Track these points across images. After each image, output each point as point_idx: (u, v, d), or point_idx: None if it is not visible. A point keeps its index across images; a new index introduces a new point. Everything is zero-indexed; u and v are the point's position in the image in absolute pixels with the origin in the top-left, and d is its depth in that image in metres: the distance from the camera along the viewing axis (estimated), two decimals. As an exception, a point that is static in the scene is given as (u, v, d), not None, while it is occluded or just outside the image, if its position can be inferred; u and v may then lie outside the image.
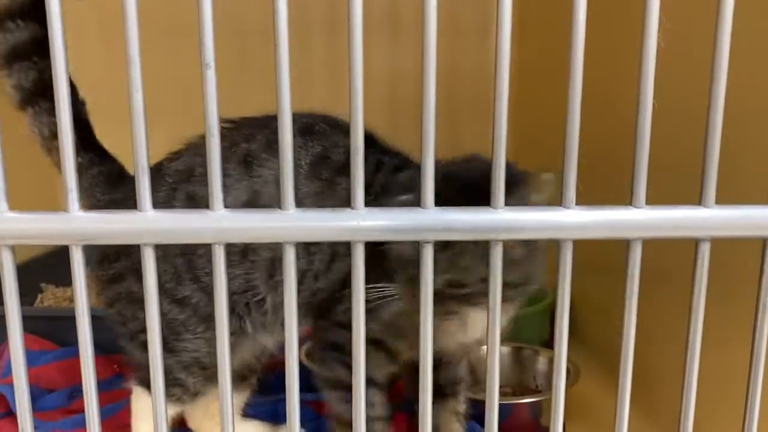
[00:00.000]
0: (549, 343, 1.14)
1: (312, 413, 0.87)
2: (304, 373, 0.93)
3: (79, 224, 0.40)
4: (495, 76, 0.40)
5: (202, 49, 0.38)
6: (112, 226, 0.41)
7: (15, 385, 0.42)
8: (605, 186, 0.55)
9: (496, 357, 0.44)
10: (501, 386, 0.99)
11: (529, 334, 1.09)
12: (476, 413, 0.89)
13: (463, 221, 0.42)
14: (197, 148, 0.72)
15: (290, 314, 0.43)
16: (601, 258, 0.71)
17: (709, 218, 0.42)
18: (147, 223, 0.41)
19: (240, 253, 0.71)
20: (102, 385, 0.92)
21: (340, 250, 0.69)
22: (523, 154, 0.68)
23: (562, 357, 0.44)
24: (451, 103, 1.29)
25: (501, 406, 0.84)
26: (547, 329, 1.17)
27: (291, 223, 0.42)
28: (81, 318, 0.41)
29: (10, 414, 0.90)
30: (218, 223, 0.41)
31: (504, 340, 0.97)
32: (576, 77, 0.40)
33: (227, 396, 0.43)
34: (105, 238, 0.42)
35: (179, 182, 0.70)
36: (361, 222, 0.42)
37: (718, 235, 0.42)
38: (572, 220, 0.42)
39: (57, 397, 0.95)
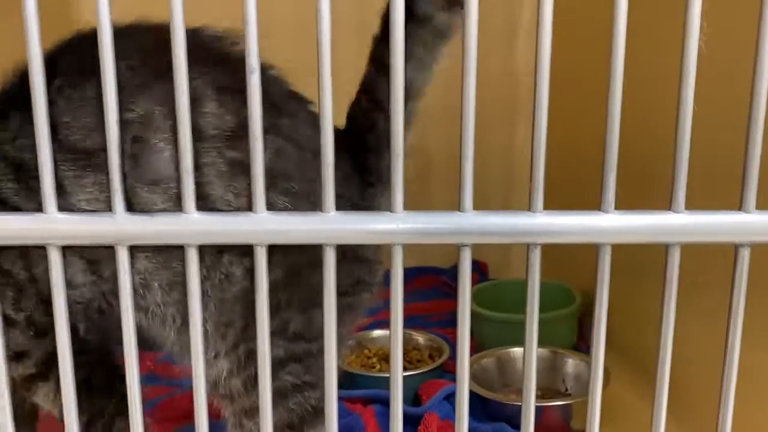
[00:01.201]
0: (577, 347, 1.14)
1: (344, 409, 0.88)
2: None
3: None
4: (535, 80, 0.41)
5: (247, 54, 0.39)
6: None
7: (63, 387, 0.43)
8: (642, 191, 0.55)
9: (533, 361, 0.44)
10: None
11: (558, 337, 1.09)
12: (506, 415, 0.89)
13: (501, 225, 0.42)
14: None
15: (329, 311, 0.43)
16: (634, 261, 0.71)
17: (749, 223, 0.42)
18: (192, 225, 0.42)
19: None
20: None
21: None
22: (559, 157, 0.68)
23: (600, 361, 0.44)
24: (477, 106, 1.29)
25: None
26: (575, 333, 1.16)
27: (331, 225, 0.42)
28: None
29: None
30: (261, 226, 0.42)
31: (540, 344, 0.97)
32: (616, 80, 0.40)
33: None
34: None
35: None
36: (400, 225, 0.42)
37: (759, 240, 0.42)
38: (611, 224, 0.42)
39: None
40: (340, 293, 0.66)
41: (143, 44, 0.57)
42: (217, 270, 0.61)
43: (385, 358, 1.04)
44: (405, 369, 0.99)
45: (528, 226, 0.42)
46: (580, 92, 1.10)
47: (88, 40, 0.50)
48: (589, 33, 1.07)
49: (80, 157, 0.56)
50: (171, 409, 0.90)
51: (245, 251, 0.55)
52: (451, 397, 0.91)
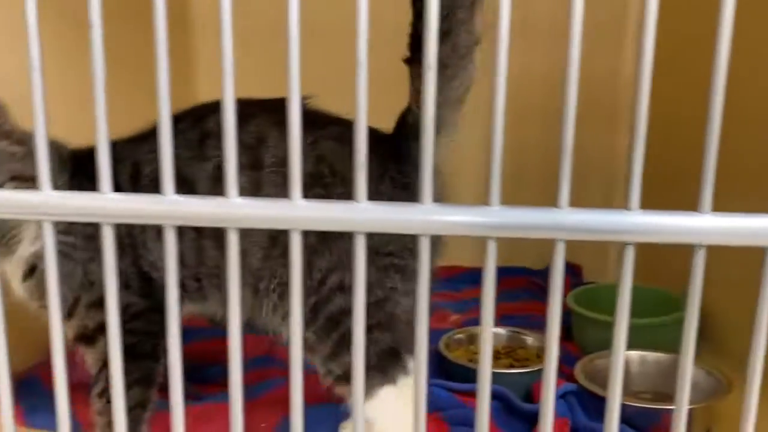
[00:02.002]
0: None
1: (455, 400, 0.88)
2: (442, 362, 0.95)
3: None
4: (636, 81, 0.40)
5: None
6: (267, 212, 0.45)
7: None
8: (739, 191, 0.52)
9: (620, 362, 0.43)
10: (641, 392, 0.96)
11: (665, 344, 1.05)
12: (623, 416, 0.87)
13: (596, 222, 0.42)
14: None
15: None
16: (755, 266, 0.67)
17: None
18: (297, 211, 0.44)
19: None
20: (252, 363, 0.96)
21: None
22: (657, 157, 0.65)
23: (688, 367, 0.44)
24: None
25: (649, 412, 0.83)
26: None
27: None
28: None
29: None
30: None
31: (645, 348, 0.95)
32: (718, 80, 0.39)
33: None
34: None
35: None
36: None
37: None
38: (707, 225, 0.40)
39: (213, 371, 1.01)
40: (386, 254, 0.73)
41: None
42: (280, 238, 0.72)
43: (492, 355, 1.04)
44: (511, 367, 1.01)
45: (623, 225, 0.41)
46: (676, 92, 1.04)
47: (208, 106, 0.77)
48: (688, 31, 1.01)
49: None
50: (286, 393, 0.93)
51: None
52: (566, 396, 0.90)
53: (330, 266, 0.73)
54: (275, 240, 0.74)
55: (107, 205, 0.46)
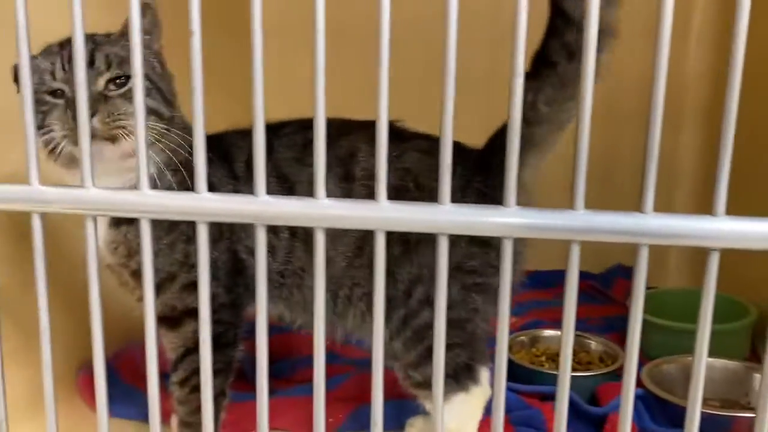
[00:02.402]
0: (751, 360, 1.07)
1: (521, 402, 0.89)
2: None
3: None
4: (727, 84, 0.40)
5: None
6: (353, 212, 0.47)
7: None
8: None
9: (701, 370, 0.45)
10: (708, 399, 0.95)
11: (728, 351, 1.03)
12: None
13: (680, 227, 0.42)
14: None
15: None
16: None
17: None
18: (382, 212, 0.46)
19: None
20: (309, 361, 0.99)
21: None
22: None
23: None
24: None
25: (720, 419, 0.82)
26: (747, 348, 1.11)
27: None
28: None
29: (243, 377, 0.98)
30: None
31: (713, 354, 0.94)
32: None
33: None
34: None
35: None
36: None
37: None
38: (721, 228, 0.41)
39: (281, 366, 1.05)
40: (468, 271, 0.75)
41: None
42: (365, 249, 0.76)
43: (553, 357, 1.05)
44: (574, 370, 0.99)
45: (709, 230, 0.41)
46: (759, 94, 1.02)
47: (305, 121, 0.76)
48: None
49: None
50: (350, 390, 0.96)
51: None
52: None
53: (412, 277, 0.76)
54: (361, 250, 0.77)
55: (202, 204, 0.48)
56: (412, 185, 0.76)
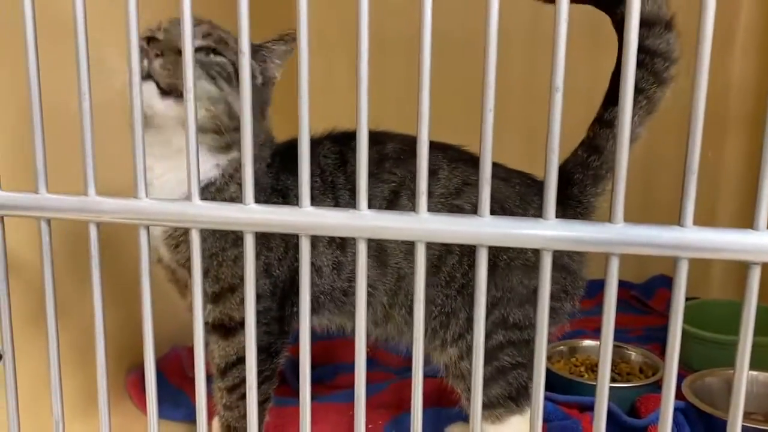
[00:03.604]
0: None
1: (560, 412, 0.89)
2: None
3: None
4: None
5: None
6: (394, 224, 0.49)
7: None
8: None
9: (743, 382, 0.45)
10: (750, 413, 0.93)
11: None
12: None
13: (720, 241, 0.42)
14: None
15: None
16: None
17: None
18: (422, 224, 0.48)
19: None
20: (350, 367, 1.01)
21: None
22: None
23: None
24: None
25: None
26: None
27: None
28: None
29: (285, 382, 1.00)
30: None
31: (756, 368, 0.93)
32: None
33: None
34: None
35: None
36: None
37: None
38: (763, 242, 0.41)
39: (322, 371, 1.07)
40: (551, 296, 0.75)
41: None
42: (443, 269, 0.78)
43: (592, 368, 1.04)
44: (613, 381, 1.00)
45: (750, 244, 0.42)
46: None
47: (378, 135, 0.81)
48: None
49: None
50: (390, 397, 0.97)
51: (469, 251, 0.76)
52: (673, 413, 0.88)
53: (494, 300, 0.77)
54: (438, 269, 0.78)
55: (249, 216, 0.50)
56: (468, 208, 0.78)
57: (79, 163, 0.52)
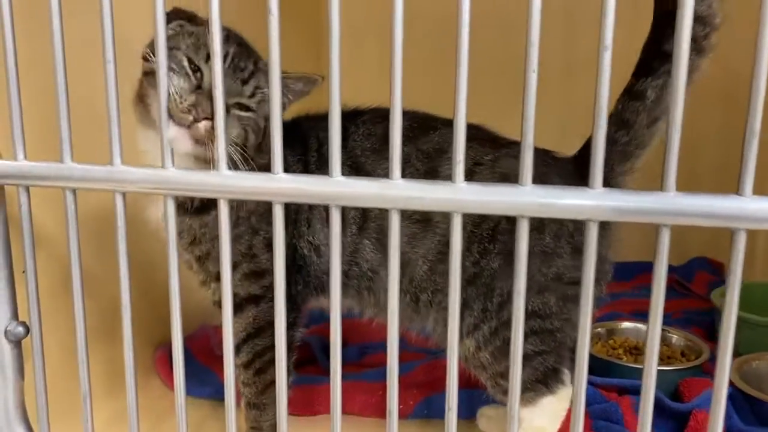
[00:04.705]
0: None
1: (599, 396, 0.87)
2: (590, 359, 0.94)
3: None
4: None
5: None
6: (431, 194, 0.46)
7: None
8: None
9: None
10: None
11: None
12: None
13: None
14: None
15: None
16: None
17: None
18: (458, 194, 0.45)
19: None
20: (383, 346, 1.00)
21: None
22: None
23: None
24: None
25: None
26: None
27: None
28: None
29: (314, 362, 1.01)
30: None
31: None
32: None
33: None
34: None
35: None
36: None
37: None
38: None
39: (350, 351, 1.05)
40: (569, 282, 0.74)
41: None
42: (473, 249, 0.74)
43: (630, 350, 1.01)
44: None
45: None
46: None
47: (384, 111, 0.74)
48: None
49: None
50: (420, 376, 0.95)
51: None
52: None
53: (511, 291, 0.73)
54: (445, 256, 0.75)
55: (278, 185, 0.48)
56: None
57: (105, 138, 0.51)
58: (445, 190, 0.45)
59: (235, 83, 0.68)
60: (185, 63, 0.66)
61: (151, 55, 0.67)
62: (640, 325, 1.04)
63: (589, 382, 0.87)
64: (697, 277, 1.34)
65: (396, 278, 0.48)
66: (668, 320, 1.12)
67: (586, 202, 0.42)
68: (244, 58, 0.70)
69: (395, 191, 0.46)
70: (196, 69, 0.67)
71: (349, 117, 0.78)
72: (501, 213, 0.45)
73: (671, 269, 1.38)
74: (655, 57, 0.69)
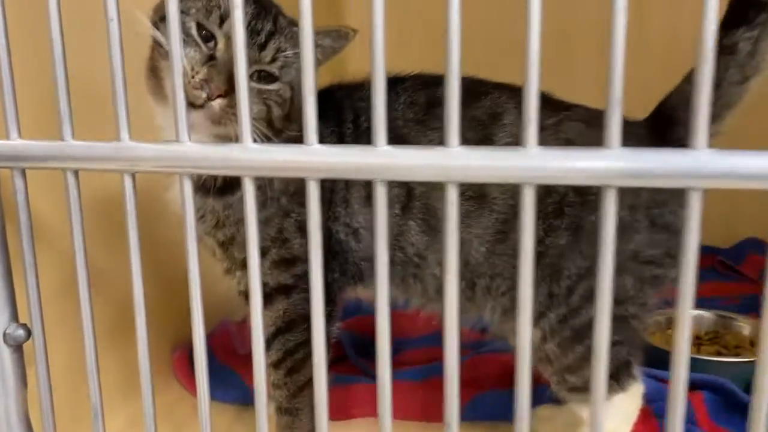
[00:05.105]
0: None
1: (663, 390, 0.79)
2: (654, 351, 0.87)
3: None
4: None
5: None
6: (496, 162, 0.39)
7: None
8: None
9: None
10: None
11: None
12: None
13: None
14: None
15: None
16: None
17: None
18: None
19: None
20: (424, 341, 0.92)
21: None
22: None
23: None
24: None
25: None
26: None
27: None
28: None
29: (344, 359, 0.94)
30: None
31: None
32: None
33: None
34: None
35: None
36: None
37: None
38: None
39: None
40: (646, 261, 0.66)
41: None
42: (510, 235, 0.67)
43: (692, 339, 0.94)
44: (719, 355, 0.90)
45: None
46: None
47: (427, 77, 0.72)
48: None
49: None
50: (465, 374, 0.88)
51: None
52: None
53: (581, 272, 0.66)
54: (505, 235, 0.68)
55: (313, 159, 0.41)
56: None
57: (109, 116, 0.44)
58: (514, 157, 0.38)
59: (251, 49, 0.60)
60: (193, 31, 0.59)
61: (158, 23, 0.60)
62: (704, 313, 0.96)
63: (653, 376, 0.79)
64: (748, 259, 1.25)
65: (455, 263, 0.40)
66: (725, 306, 1.03)
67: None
68: (262, 17, 0.62)
69: (453, 161, 0.39)
70: (209, 36, 0.59)
71: (389, 85, 0.70)
72: (583, 183, 0.37)
73: (719, 251, 1.30)
74: (750, 5, 0.61)
